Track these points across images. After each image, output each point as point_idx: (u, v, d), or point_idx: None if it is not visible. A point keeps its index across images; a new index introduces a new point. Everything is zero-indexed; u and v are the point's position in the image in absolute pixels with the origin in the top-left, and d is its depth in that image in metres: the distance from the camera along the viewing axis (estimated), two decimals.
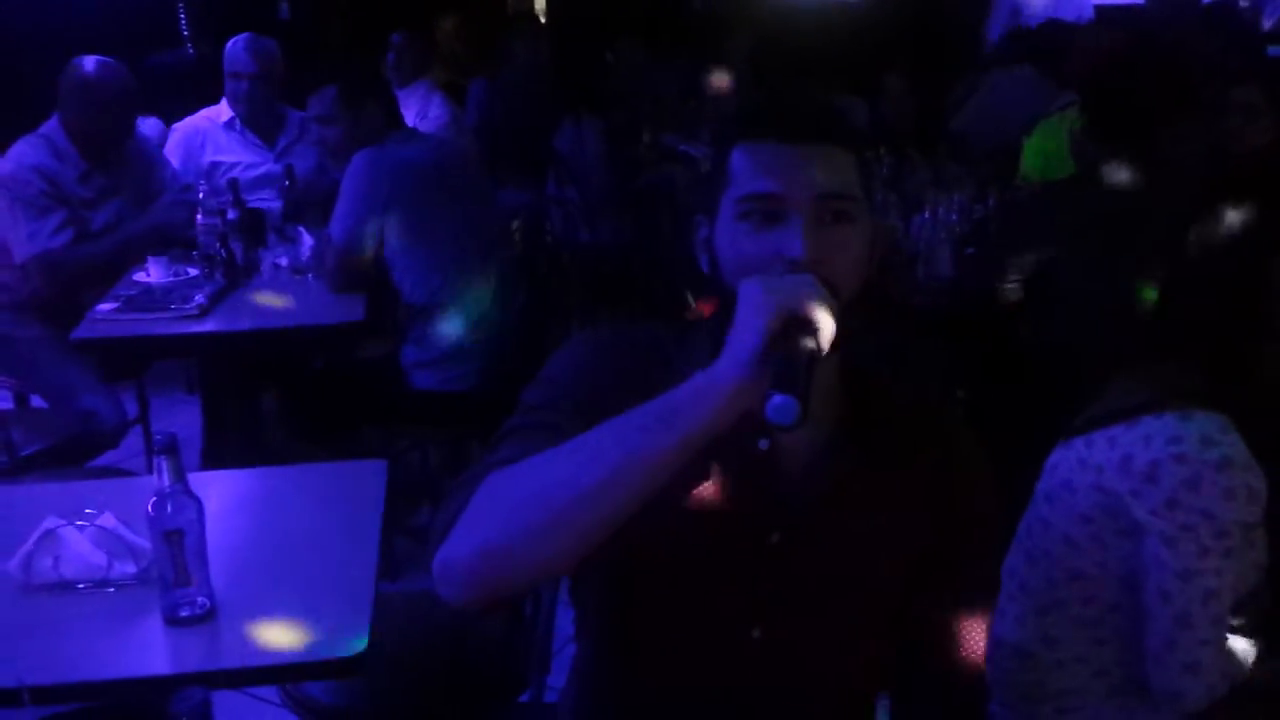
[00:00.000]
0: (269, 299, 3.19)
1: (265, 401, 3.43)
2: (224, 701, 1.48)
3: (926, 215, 3.35)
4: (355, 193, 3.05)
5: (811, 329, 1.02)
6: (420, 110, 4.59)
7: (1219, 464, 1.42)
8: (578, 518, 1.07)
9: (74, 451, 3.10)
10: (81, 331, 2.97)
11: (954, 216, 3.36)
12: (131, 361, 3.62)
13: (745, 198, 1.16)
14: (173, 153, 3.86)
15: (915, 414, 1.30)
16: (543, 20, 7.72)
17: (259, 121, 3.92)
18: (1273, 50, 5.27)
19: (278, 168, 3.80)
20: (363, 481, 2.01)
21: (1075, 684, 1.63)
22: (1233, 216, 1.64)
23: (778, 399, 0.97)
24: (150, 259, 3.27)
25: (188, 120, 3.97)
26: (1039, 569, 1.64)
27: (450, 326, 3.09)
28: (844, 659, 1.31)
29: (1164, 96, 2.45)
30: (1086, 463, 1.55)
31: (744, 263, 1.15)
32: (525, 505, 1.09)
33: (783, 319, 1.01)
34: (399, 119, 3.30)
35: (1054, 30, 4.98)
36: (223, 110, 3.94)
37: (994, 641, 1.67)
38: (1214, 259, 1.61)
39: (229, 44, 3.87)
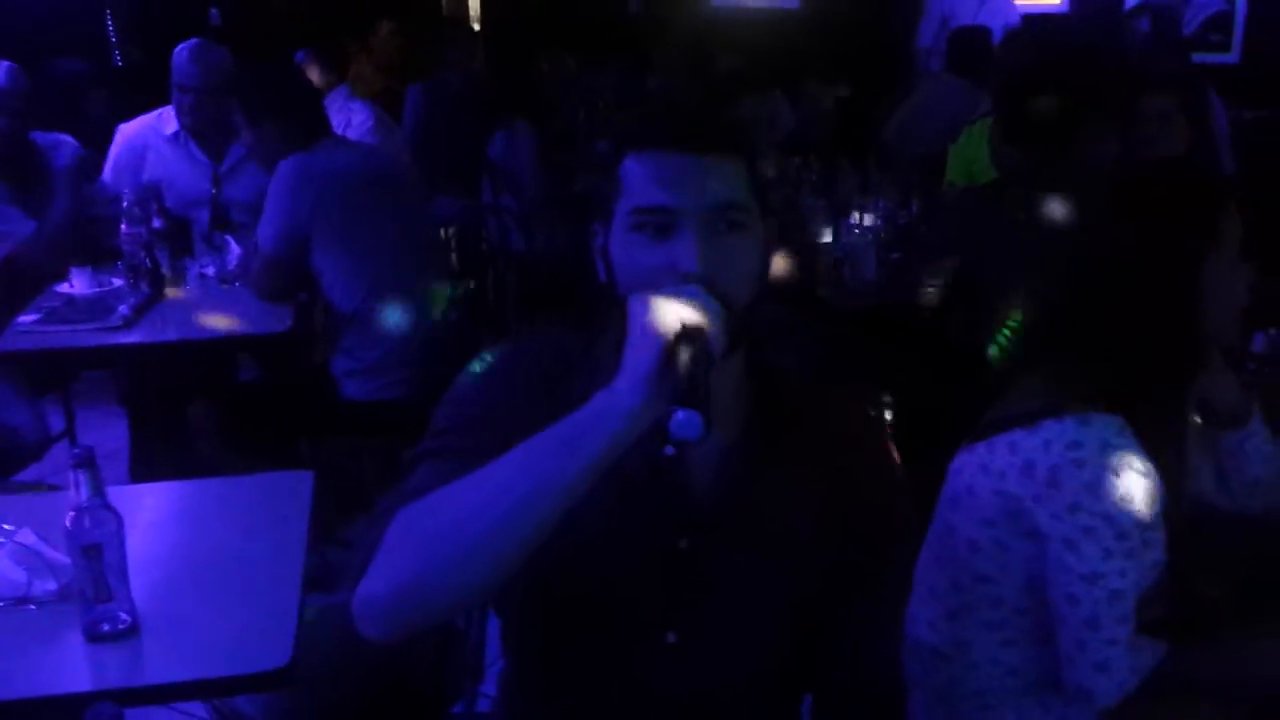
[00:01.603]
0: (195, 309, 3.14)
1: (195, 412, 3.38)
2: (151, 718, 1.46)
3: (854, 221, 3.41)
4: (282, 200, 3.02)
5: (703, 339, 1.04)
6: (343, 118, 4.55)
7: (1118, 468, 1.45)
8: (490, 548, 1.07)
9: None
10: (2, 344, 2.91)
11: (880, 222, 3.42)
12: (57, 374, 3.55)
13: (637, 210, 1.17)
14: (113, 155, 3.73)
15: (825, 415, 1.31)
16: (477, 27, 7.70)
17: (206, 136, 3.73)
18: (1194, 57, 5.39)
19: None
20: (289, 492, 2.00)
21: (990, 684, 1.66)
22: (1142, 223, 1.68)
23: (681, 415, 0.99)
24: (74, 269, 3.21)
25: (134, 124, 3.79)
26: (946, 573, 1.66)
27: (380, 335, 3.08)
28: (762, 661, 1.32)
29: (1076, 102, 2.49)
30: (988, 468, 1.57)
31: (638, 274, 1.16)
32: (437, 539, 1.09)
33: (673, 333, 1.03)
34: (326, 126, 3.25)
35: (972, 36, 5.06)
36: (169, 120, 3.75)
37: (910, 643, 1.71)
38: (1124, 264, 1.63)
39: (175, 52, 3.65)
